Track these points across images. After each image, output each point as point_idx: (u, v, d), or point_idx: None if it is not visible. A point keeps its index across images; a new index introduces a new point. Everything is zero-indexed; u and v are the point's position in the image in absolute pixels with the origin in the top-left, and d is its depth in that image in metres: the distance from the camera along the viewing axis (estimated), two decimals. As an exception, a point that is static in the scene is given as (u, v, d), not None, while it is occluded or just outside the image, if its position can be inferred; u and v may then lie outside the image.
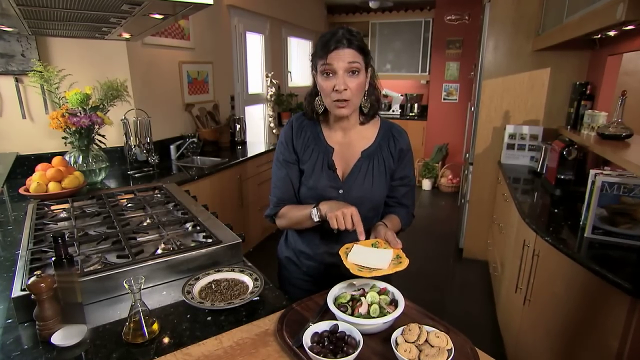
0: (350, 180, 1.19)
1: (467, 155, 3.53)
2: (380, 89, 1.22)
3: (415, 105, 5.94)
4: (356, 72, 1.08)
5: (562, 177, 2.20)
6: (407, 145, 1.24)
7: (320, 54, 1.09)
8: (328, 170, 1.20)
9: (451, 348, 0.83)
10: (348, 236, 1.10)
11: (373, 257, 1.01)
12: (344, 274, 1.06)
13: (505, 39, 2.98)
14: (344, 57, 1.06)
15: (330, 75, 1.08)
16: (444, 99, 5.57)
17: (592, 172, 1.57)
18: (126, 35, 2.01)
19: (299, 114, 1.28)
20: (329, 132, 1.24)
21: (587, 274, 1.38)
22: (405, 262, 1.00)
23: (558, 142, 2.31)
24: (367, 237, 1.11)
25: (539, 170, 2.71)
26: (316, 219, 1.12)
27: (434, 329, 0.88)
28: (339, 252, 1.04)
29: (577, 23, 1.89)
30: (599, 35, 2.11)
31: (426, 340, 0.85)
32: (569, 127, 2.61)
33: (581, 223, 1.68)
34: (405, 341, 0.84)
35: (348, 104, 1.10)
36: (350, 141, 1.22)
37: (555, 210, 2.04)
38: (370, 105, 1.19)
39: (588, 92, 2.48)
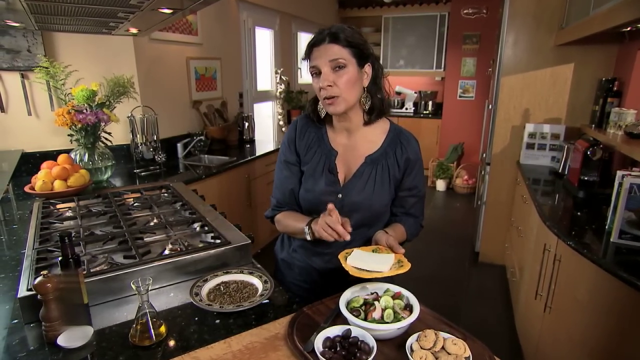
0: (351, 185, 1.18)
1: (484, 155, 3.50)
2: (388, 88, 1.19)
3: (430, 102, 5.91)
4: (342, 67, 1.07)
5: (585, 178, 2.17)
6: (415, 155, 1.20)
7: (306, 53, 1.11)
8: (329, 173, 1.19)
9: (469, 356, 0.82)
10: (339, 245, 1.11)
11: (373, 260, 1.01)
12: (338, 281, 1.07)
13: (526, 33, 2.94)
14: (326, 53, 1.06)
15: (317, 74, 1.09)
16: (460, 97, 5.52)
17: (619, 173, 1.54)
18: (134, 31, 2.03)
19: (305, 114, 1.27)
20: (334, 134, 1.23)
21: (614, 280, 1.35)
22: (407, 265, 1.00)
23: (581, 141, 2.28)
24: (369, 245, 1.12)
25: (560, 171, 2.67)
26: (308, 237, 1.13)
27: (450, 335, 0.87)
28: (339, 257, 1.04)
29: (605, 15, 1.85)
30: (629, 28, 2.07)
31: (443, 348, 0.84)
32: (593, 125, 2.57)
33: (607, 227, 1.65)
34: (421, 348, 0.84)
35: (337, 100, 1.09)
36: (355, 144, 1.21)
37: (579, 213, 2.00)
38: (371, 104, 1.15)
39: (615, 88, 2.44)
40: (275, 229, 1.32)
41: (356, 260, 1.02)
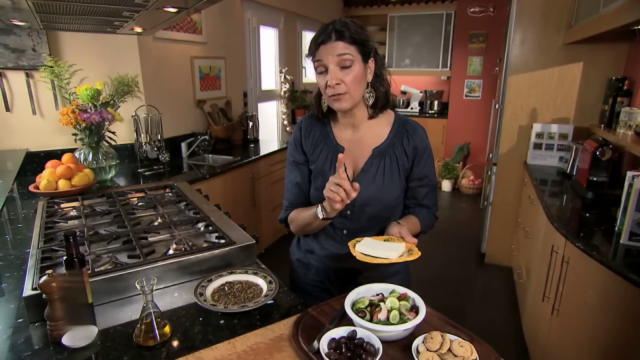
0: (360, 179, 1.18)
1: (491, 155, 3.48)
2: (390, 81, 1.20)
3: (435, 102, 5.89)
4: (349, 65, 1.07)
5: (594, 179, 2.15)
6: (422, 143, 1.20)
7: (311, 51, 1.11)
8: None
9: (476, 358, 0.82)
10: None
11: (383, 248, 1.02)
12: (353, 280, 1.06)
13: (534, 31, 2.92)
14: (332, 51, 1.06)
15: (323, 71, 1.09)
16: (466, 96, 5.50)
17: (629, 174, 1.53)
18: (138, 30, 2.04)
19: (309, 114, 1.28)
20: (339, 131, 1.23)
21: (624, 283, 1.34)
22: (417, 254, 1.00)
23: (590, 141, 2.26)
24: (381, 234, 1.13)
25: (568, 171, 2.65)
26: (321, 216, 1.11)
27: (457, 337, 0.87)
28: (348, 244, 1.05)
29: (615, 13, 1.84)
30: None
31: (449, 350, 0.83)
32: (602, 125, 2.55)
33: (616, 228, 1.64)
34: (427, 350, 0.83)
35: (344, 97, 1.09)
36: (360, 138, 1.21)
37: (587, 215, 1.99)
38: (375, 98, 1.16)
39: (625, 87, 2.41)
40: (280, 228, 1.33)
41: (365, 247, 1.02)
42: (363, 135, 1.21)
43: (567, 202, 2.22)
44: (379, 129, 1.21)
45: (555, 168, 2.89)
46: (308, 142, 1.24)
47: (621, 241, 1.54)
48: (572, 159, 2.62)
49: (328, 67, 1.07)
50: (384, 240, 1.07)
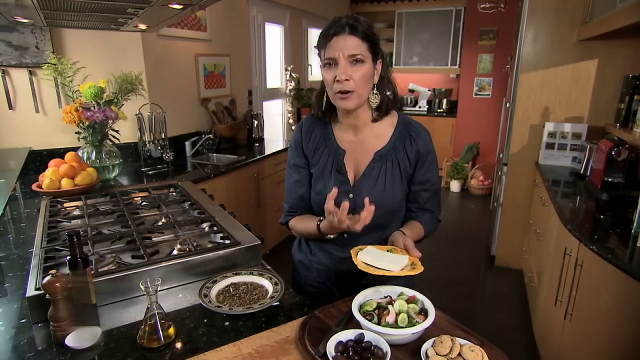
0: (361, 183, 1.18)
1: (501, 155, 3.46)
2: (395, 84, 1.19)
3: (444, 100, 5.87)
4: (360, 62, 1.06)
5: (609, 179, 2.13)
6: (425, 147, 1.19)
7: (321, 43, 1.09)
8: (337, 174, 1.19)
9: (487, 363, 0.81)
10: (357, 244, 1.12)
11: (385, 259, 1.01)
12: (356, 283, 1.06)
13: (547, 28, 2.90)
14: (344, 45, 1.05)
15: (332, 65, 1.07)
16: (476, 94, 5.47)
17: (645, 174, 1.51)
18: (142, 27, 2.05)
19: (309, 115, 1.28)
20: (340, 133, 1.22)
21: None
22: (419, 269, 0.99)
23: (605, 141, 2.24)
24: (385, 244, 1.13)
25: (582, 172, 2.63)
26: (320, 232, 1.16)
27: (467, 341, 0.86)
28: (351, 251, 1.05)
29: (633, 8, 1.81)
30: (658, 22, 2.02)
31: (459, 354, 0.83)
32: (618, 124, 2.52)
33: (633, 231, 1.62)
34: (437, 354, 0.83)
35: (351, 95, 1.08)
36: (362, 140, 1.20)
37: (602, 217, 1.97)
38: (380, 100, 1.15)
39: (643, 85, 2.38)
40: (285, 229, 1.33)
41: (368, 256, 1.02)
42: (365, 137, 1.20)
43: (580, 203, 2.20)
44: (381, 131, 1.20)
45: (568, 168, 2.87)
46: (309, 145, 1.24)
47: (638, 244, 1.52)
48: (585, 159, 2.60)
49: (338, 61, 1.06)
50: (387, 251, 1.07)
